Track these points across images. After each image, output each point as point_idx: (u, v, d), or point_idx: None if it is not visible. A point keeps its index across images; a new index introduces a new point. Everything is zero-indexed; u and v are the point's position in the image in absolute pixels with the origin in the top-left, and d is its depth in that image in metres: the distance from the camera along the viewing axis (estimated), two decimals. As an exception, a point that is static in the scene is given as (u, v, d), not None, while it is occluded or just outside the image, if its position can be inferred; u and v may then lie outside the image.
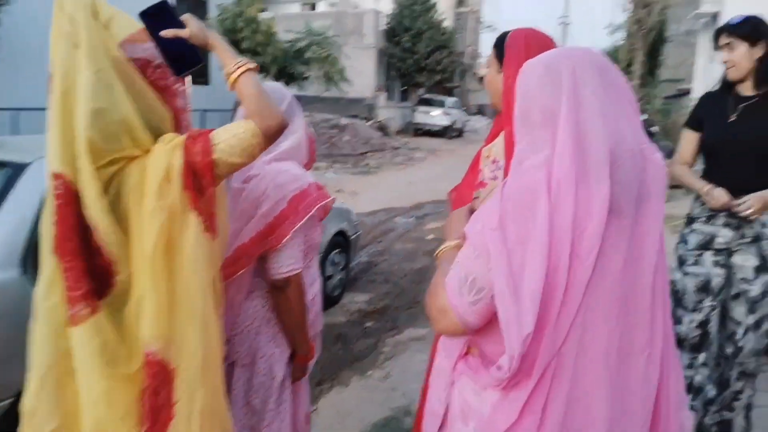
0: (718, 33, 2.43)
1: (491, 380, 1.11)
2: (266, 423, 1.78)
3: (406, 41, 23.39)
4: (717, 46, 2.45)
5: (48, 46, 1.32)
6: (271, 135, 1.38)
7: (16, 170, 2.32)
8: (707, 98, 2.60)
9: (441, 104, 24.03)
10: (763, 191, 2.30)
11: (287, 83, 14.27)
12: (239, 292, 1.77)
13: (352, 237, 5.01)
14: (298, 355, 1.83)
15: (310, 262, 1.89)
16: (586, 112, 1.06)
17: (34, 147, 2.48)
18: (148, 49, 1.38)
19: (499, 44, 1.73)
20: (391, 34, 23.96)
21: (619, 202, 1.05)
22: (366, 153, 16.20)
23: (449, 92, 27.83)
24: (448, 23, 25.88)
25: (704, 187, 2.41)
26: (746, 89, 2.41)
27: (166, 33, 1.35)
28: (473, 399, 1.17)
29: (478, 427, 1.16)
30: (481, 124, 29.43)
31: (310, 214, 1.71)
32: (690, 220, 2.56)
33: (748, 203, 2.29)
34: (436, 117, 23.44)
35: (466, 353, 1.24)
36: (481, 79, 39.41)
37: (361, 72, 21.77)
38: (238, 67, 1.38)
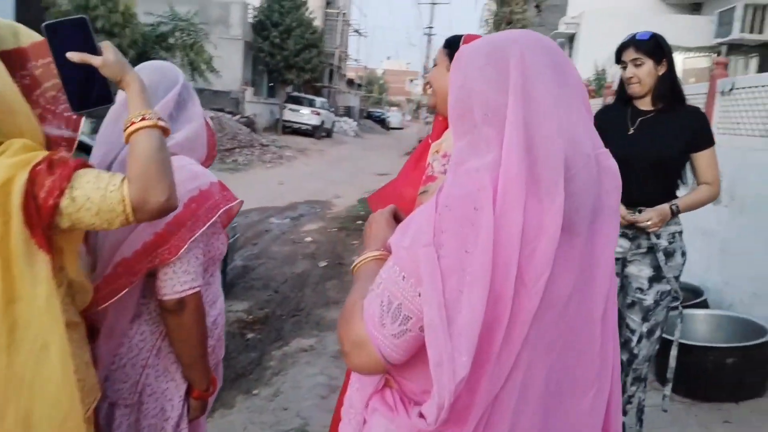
0: (625, 47, 2.44)
1: (410, 426, 0.92)
2: None
3: (275, 36, 22.76)
4: (620, 61, 2.47)
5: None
6: (144, 213, 1.11)
7: None
8: (605, 111, 2.64)
9: (311, 103, 23.79)
10: (663, 205, 2.37)
11: (147, 70, 13.09)
12: (121, 318, 1.44)
13: (230, 240, 4.62)
14: (197, 390, 1.53)
15: (211, 277, 1.60)
16: (536, 109, 0.88)
17: None
18: (41, 67, 1.12)
19: (451, 44, 1.66)
20: (260, 27, 23.20)
21: (571, 217, 0.89)
22: (233, 149, 15.46)
23: (318, 92, 27.65)
24: (317, 23, 25.66)
25: None
26: (644, 104, 2.46)
27: (72, 56, 1.10)
28: None
29: None
30: (349, 126, 29.62)
31: (213, 219, 1.42)
32: None
33: (648, 215, 2.35)
34: (305, 116, 23.14)
35: (384, 386, 1.04)
36: (349, 81, 39.79)
37: (227, 64, 20.77)
38: (143, 119, 1.12)
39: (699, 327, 3.77)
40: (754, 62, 8.32)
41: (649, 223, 2.35)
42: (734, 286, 3.95)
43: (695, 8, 9.98)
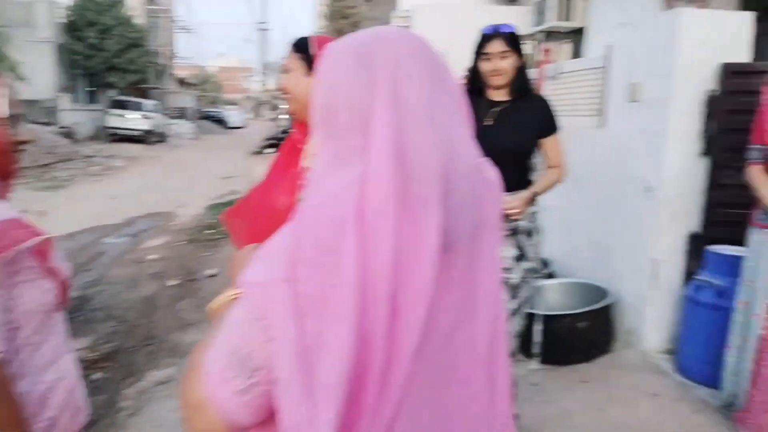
0: (490, 40, 2.42)
1: None
2: None
3: (91, 37, 20.69)
4: (482, 52, 2.44)
5: None
6: None
7: None
8: None
9: (138, 107, 22.03)
10: (524, 193, 2.46)
11: (-70, 80, 11.13)
12: None
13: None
14: None
15: (38, 335, 1.30)
16: (409, 115, 0.77)
17: None
18: None
19: (301, 48, 1.63)
20: (72, 28, 20.92)
21: (450, 236, 0.78)
22: (51, 164, 13.83)
23: (146, 94, 25.74)
24: (140, 20, 23.81)
25: None
26: (499, 95, 2.51)
27: None
28: None
29: None
30: (184, 128, 28.01)
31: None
32: None
33: (512, 204, 2.41)
34: (133, 121, 21.39)
35: None
36: (180, 81, 37.58)
37: (37, 70, 18.51)
38: None
39: (551, 296, 4.03)
40: (567, 47, 9.17)
41: (513, 211, 2.43)
42: (576, 255, 4.28)
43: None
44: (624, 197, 3.62)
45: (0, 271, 1.16)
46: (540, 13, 8.68)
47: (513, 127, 2.48)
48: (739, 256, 2.75)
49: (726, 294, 2.91)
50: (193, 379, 0.75)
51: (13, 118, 1.29)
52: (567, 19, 8.26)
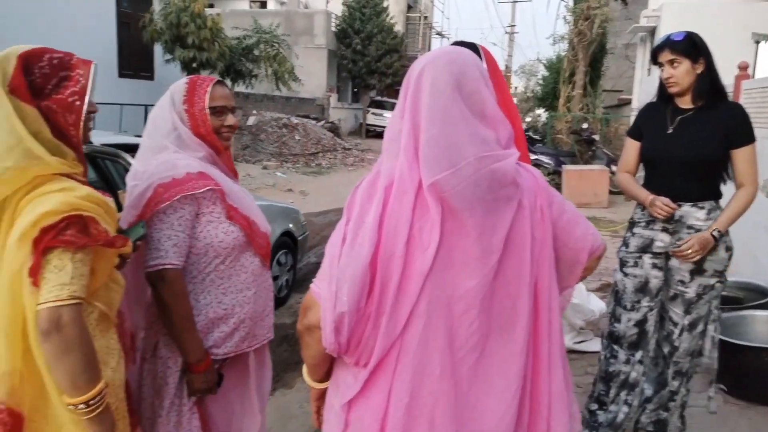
0: (660, 49, 2.42)
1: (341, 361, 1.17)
2: (156, 428, 1.64)
3: (356, 43, 23.36)
4: (657, 62, 2.45)
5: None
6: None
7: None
8: (648, 109, 2.61)
9: (393, 107, 23.88)
10: (704, 233, 2.35)
11: (234, 80, 13.93)
12: (145, 287, 1.64)
13: (300, 237, 4.95)
14: (191, 364, 1.60)
15: (223, 269, 1.65)
16: (420, 117, 1.10)
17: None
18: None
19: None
20: (342, 35, 23.89)
21: (463, 199, 1.07)
22: (317, 153, 16.04)
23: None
24: (398, 27, 26.00)
25: (648, 197, 2.43)
26: (684, 102, 2.45)
27: None
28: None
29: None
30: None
31: (174, 198, 1.55)
32: (631, 224, 2.60)
33: (689, 244, 2.34)
34: (388, 119, 23.43)
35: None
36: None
37: (312, 72, 21.54)
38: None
39: (762, 328, 3.65)
40: None
41: (689, 252, 2.35)
42: (804, 287, 3.77)
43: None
44: None
45: (189, 208, 1.57)
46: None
47: (692, 136, 2.38)
48: None
49: None
50: (308, 307, 1.17)
51: (219, 109, 1.69)
52: None
